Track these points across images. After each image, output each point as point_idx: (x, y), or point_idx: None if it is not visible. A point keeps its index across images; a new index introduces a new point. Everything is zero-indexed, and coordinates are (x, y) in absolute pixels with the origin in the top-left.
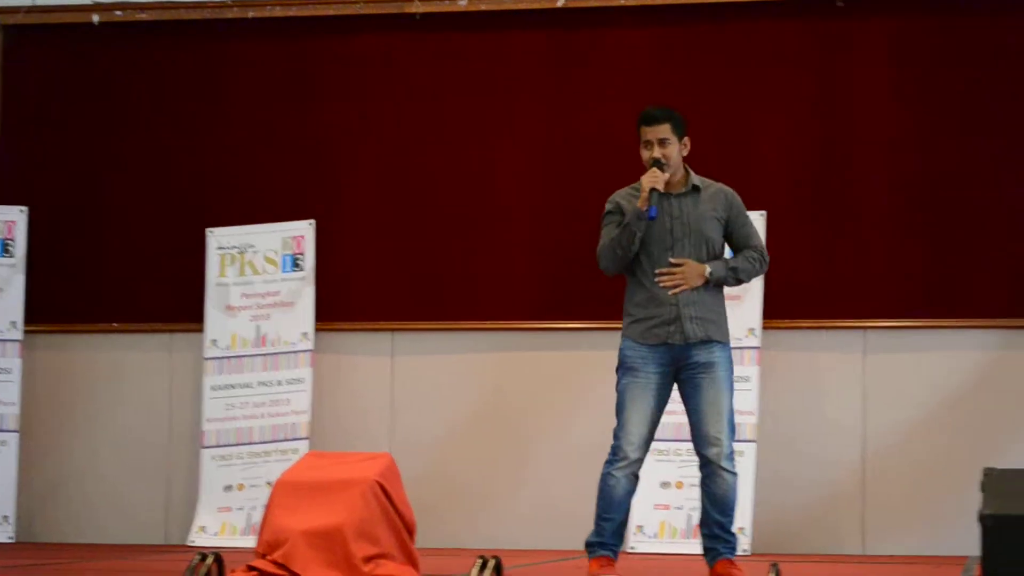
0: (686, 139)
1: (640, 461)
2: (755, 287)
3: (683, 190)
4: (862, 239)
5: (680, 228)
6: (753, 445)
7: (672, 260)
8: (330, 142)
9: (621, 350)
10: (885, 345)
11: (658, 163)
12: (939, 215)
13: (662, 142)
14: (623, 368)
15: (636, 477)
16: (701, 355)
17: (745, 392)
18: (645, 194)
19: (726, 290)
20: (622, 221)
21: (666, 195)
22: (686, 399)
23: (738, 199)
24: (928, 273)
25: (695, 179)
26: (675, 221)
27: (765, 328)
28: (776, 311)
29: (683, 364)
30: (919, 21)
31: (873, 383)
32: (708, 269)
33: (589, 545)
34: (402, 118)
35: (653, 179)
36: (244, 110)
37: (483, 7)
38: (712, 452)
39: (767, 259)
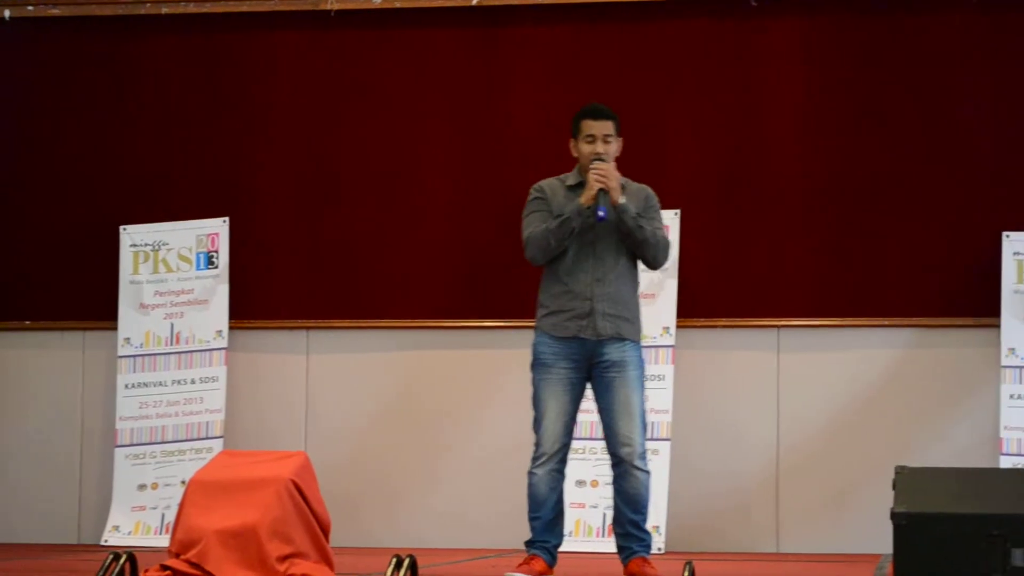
0: (621, 139)
1: (559, 456)
2: (669, 286)
3: None
4: (775, 238)
5: (603, 224)
6: (668, 443)
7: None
8: (244, 139)
9: (534, 345)
10: (798, 344)
11: (599, 159)
12: (851, 214)
13: (606, 138)
14: (536, 364)
15: (559, 473)
16: (613, 353)
17: (660, 391)
18: (593, 192)
19: (639, 288)
20: (552, 211)
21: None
22: (598, 397)
23: (654, 197)
24: (841, 272)
25: (620, 178)
26: (622, 222)
27: (679, 327)
28: (690, 310)
29: (595, 361)
30: (832, 21)
31: (787, 381)
32: (623, 199)
33: (526, 544)
34: (317, 115)
35: (604, 178)
36: (158, 106)
37: (398, 4)
38: (624, 451)
39: (667, 250)
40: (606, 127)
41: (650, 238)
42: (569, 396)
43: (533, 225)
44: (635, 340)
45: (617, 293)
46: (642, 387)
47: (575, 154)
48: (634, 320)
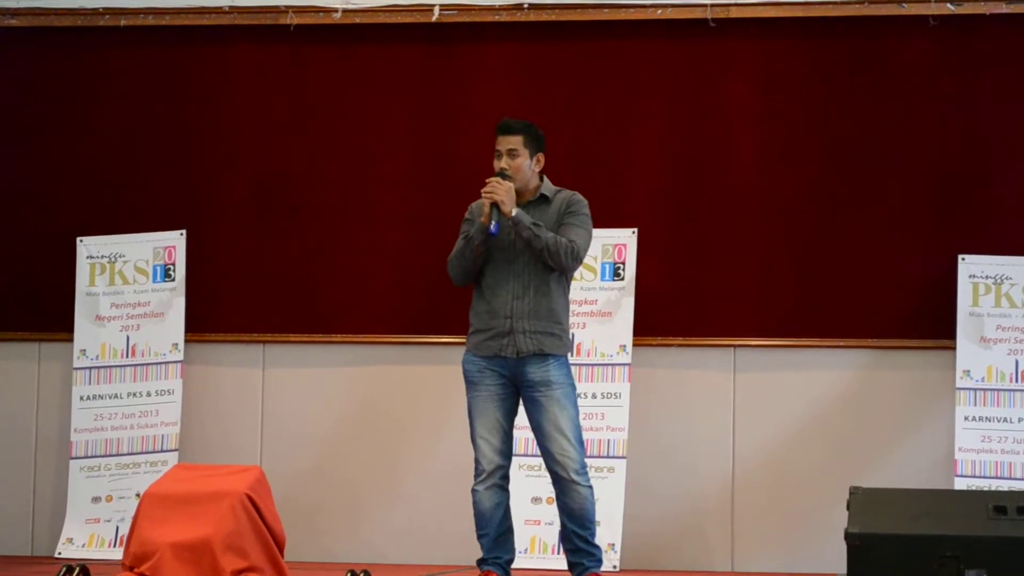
0: (540, 155)
1: (500, 471)
2: (626, 304)
3: (530, 200)
4: (732, 258)
5: (522, 240)
6: (623, 461)
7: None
8: (202, 152)
9: (463, 363)
10: (754, 363)
11: (502, 174)
12: (809, 235)
13: (511, 152)
14: (466, 383)
15: (502, 488)
16: (536, 372)
17: (616, 408)
18: (486, 209)
19: (596, 306)
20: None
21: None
22: (528, 417)
23: (577, 203)
24: (797, 292)
25: (546, 190)
26: (518, 235)
27: (636, 345)
28: (647, 328)
29: (520, 380)
30: (791, 43)
31: (742, 401)
32: (517, 211)
33: (477, 563)
34: (275, 129)
35: (491, 193)
36: (116, 119)
37: (358, 20)
38: (559, 469)
39: (574, 255)
40: (511, 141)
41: (550, 245)
42: (501, 412)
43: (455, 247)
44: (559, 355)
45: (537, 309)
46: (572, 402)
47: None
48: (560, 334)
